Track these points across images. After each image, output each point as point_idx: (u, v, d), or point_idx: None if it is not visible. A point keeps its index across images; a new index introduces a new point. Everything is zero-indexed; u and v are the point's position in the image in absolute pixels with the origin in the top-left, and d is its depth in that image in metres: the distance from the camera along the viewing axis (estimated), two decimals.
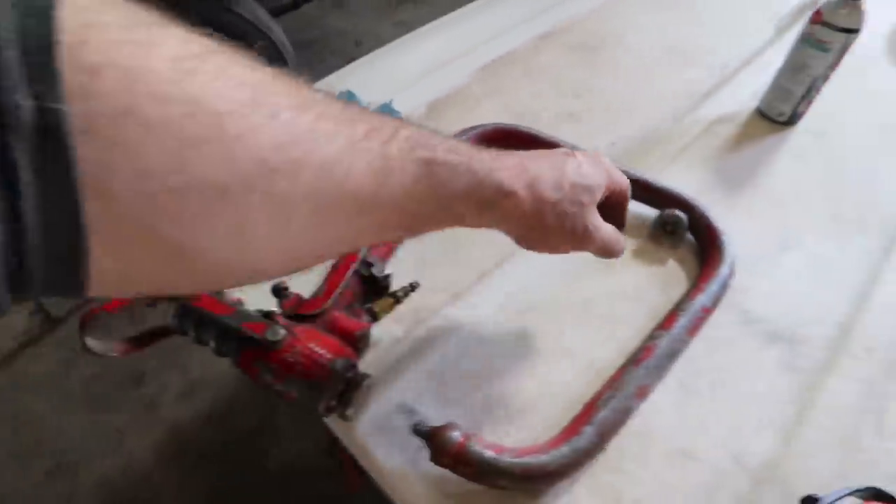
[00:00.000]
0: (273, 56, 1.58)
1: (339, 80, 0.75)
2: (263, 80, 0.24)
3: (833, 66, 0.67)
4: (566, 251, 0.40)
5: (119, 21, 0.20)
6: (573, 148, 0.60)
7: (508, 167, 0.35)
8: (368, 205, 0.28)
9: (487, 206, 0.34)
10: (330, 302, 0.46)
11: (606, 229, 0.41)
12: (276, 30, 1.57)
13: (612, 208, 0.42)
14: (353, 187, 0.27)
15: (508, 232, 0.38)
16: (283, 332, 0.42)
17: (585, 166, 0.39)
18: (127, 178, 0.20)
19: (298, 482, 1.23)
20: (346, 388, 0.42)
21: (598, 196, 0.39)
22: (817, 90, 0.70)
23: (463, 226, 0.35)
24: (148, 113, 0.19)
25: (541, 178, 0.36)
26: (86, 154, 0.18)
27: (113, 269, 0.21)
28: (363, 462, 0.45)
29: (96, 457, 1.30)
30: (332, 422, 0.46)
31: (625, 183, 0.42)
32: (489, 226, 0.36)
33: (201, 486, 1.26)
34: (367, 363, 0.49)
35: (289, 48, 1.63)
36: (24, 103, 0.17)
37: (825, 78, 0.68)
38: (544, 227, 0.37)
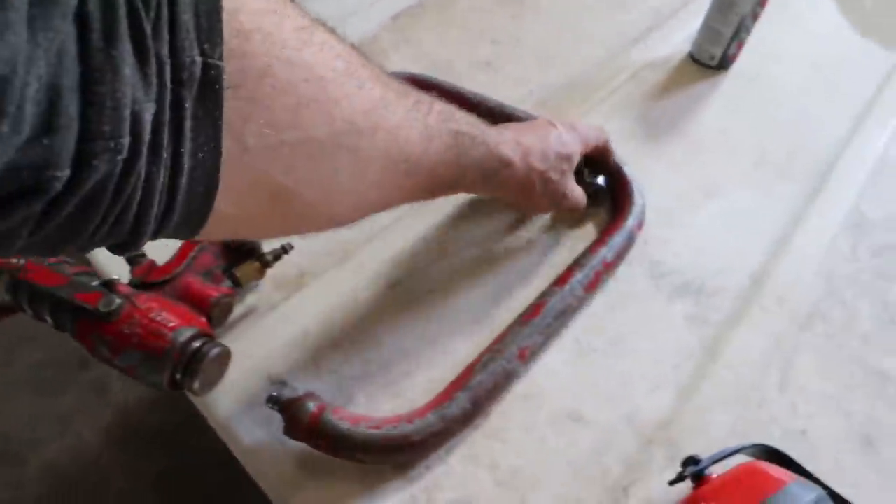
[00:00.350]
0: None
1: None
2: (351, 53, 0.27)
3: (761, 2, 0.62)
4: (546, 211, 0.48)
5: None
6: (481, 97, 0.57)
7: (507, 141, 0.40)
8: (415, 167, 0.32)
9: (491, 174, 0.39)
10: (181, 267, 0.41)
11: (577, 191, 0.47)
12: None
13: (598, 162, 0.50)
14: (409, 150, 0.31)
15: (502, 197, 0.44)
16: (118, 301, 0.37)
17: (565, 136, 0.44)
18: (258, 130, 0.22)
19: None
20: (192, 360, 0.38)
21: (575, 162, 0.45)
22: (747, 30, 0.65)
23: (466, 192, 0.40)
24: (279, 74, 0.22)
25: (531, 151, 0.41)
26: (231, 106, 0.21)
27: (228, 213, 0.23)
28: (226, 440, 0.42)
29: (44, 442, 1.27)
30: (193, 398, 0.42)
31: (602, 138, 0.49)
32: (488, 192, 0.42)
33: (151, 468, 1.23)
34: (238, 333, 0.45)
35: None
36: (197, 59, 0.19)
37: (754, 16, 0.64)
38: (533, 192, 0.43)
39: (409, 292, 0.48)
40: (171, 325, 0.38)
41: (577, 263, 0.47)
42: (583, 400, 0.42)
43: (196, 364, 0.38)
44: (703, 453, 0.36)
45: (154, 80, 0.18)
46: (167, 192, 0.20)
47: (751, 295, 0.48)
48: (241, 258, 0.44)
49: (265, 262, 0.44)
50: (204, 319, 0.40)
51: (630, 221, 0.49)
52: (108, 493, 1.21)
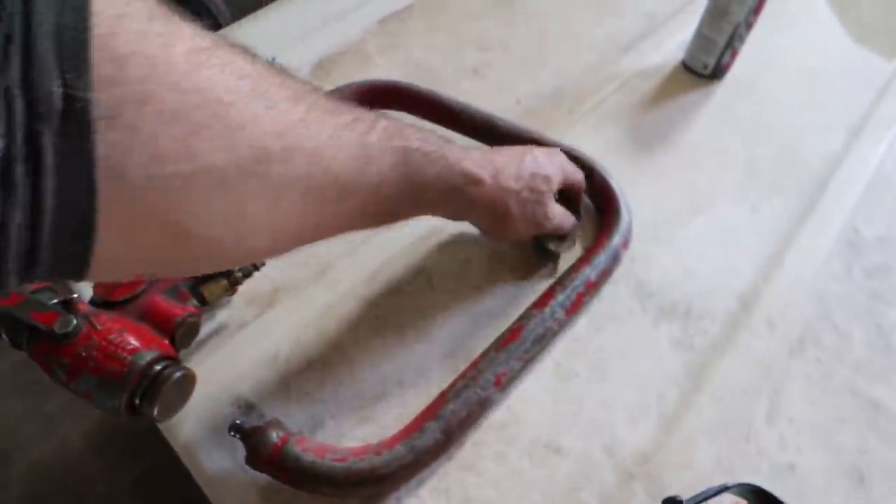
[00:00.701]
0: (206, 22, 1.48)
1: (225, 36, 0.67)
2: (262, 72, 0.25)
3: (755, 10, 0.60)
4: (526, 236, 0.44)
5: (142, 13, 0.21)
6: (465, 106, 0.55)
7: (475, 158, 0.38)
8: (350, 190, 0.30)
9: (456, 193, 0.37)
10: (146, 284, 0.40)
11: (560, 213, 0.45)
12: None
13: (568, 200, 0.47)
14: (338, 173, 0.29)
15: (474, 219, 0.42)
16: (75, 322, 0.36)
17: (542, 159, 0.42)
18: (141, 162, 0.21)
19: None
20: (151, 385, 0.36)
21: (555, 186, 0.43)
22: (741, 39, 0.63)
23: (431, 213, 0.38)
24: (165, 101, 0.21)
25: (503, 170, 0.40)
26: (107, 139, 0.19)
27: (115, 252, 0.22)
28: (188, 465, 0.40)
29: (29, 443, 1.26)
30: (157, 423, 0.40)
31: (579, 177, 0.47)
32: (456, 213, 0.40)
33: (133, 472, 1.22)
34: (206, 352, 0.43)
35: (225, 14, 1.53)
36: (56, 91, 0.18)
37: (748, 25, 0.62)
38: (507, 213, 0.40)
39: (386, 311, 0.46)
40: (130, 347, 0.36)
41: (558, 283, 0.45)
42: (562, 429, 0.40)
43: (156, 389, 0.36)
44: (687, 489, 0.34)
45: (1, 114, 0.17)
46: (28, 233, 0.19)
47: (739, 318, 0.46)
48: (209, 275, 0.43)
49: (234, 280, 0.43)
50: (167, 341, 0.38)
51: (616, 240, 0.48)
52: (90, 495, 1.20)
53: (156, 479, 1.20)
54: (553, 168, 0.43)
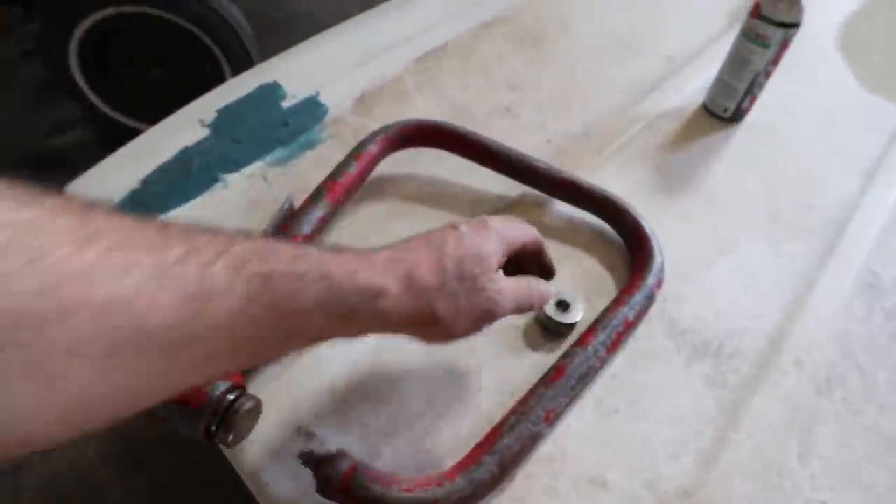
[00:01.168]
0: (228, 38, 1.51)
1: (267, 70, 0.70)
2: (32, 219, 0.21)
3: (774, 61, 0.64)
4: (476, 330, 0.36)
5: None
6: (502, 147, 0.58)
7: (375, 265, 0.32)
8: (182, 339, 0.24)
9: (355, 312, 0.31)
10: None
11: (513, 289, 0.37)
12: (231, 8, 1.50)
13: (530, 263, 0.42)
14: (158, 321, 0.23)
15: (402, 333, 0.34)
16: None
17: (468, 238, 0.35)
18: None
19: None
20: (227, 412, 0.38)
21: (494, 262, 0.36)
22: (760, 86, 0.67)
23: (338, 337, 0.32)
24: None
25: (417, 267, 0.33)
26: None
27: None
28: (254, 492, 0.42)
29: (42, 452, 1.27)
30: (223, 448, 0.42)
31: (530, 235, 0.40)
32: (371, 331, 0.33)
33: (147, 483, 1.23)
34: (264, 380, 0.46)
35: (247, 30, 1.56)
36: None
37: (767, 73, 0.65)
38: (436, 316, 0.33)
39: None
40: None
41: (598, 323, 0.47)
42: (605, 464, 0.43)
43: (231, 417, 0.38)
44: None
45: None
46: None
47: (769, 357, 0.49)
48: None
49: None
50: (238, 372, 0.41)
51: (650, 280, 0.50)
52: None
53: (170, 488, 1.21)
54: (489, 243, 0.36)
